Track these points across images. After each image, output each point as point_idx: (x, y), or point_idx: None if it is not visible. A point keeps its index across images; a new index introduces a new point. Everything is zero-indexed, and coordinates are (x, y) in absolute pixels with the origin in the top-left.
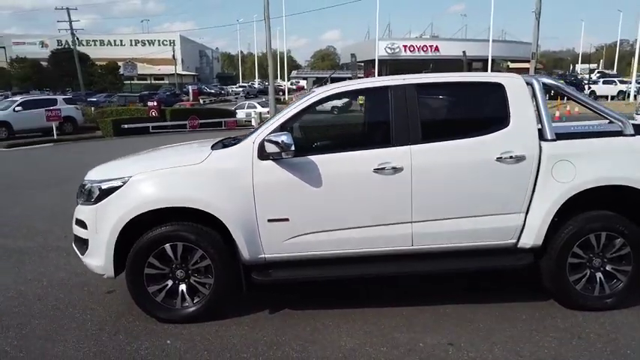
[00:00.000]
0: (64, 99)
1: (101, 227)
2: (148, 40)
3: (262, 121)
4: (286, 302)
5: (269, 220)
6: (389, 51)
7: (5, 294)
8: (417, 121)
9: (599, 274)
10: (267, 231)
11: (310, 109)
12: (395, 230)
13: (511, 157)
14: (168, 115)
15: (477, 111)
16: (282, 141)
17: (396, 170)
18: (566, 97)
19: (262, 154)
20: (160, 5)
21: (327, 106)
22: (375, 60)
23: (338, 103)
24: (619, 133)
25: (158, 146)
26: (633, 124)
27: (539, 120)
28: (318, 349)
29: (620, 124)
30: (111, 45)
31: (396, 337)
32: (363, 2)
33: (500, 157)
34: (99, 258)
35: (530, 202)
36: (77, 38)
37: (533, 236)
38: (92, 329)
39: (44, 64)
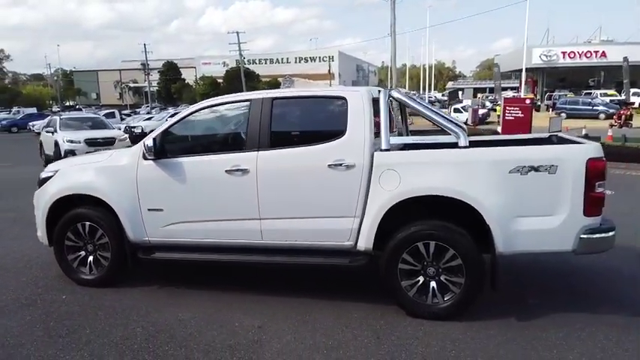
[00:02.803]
0: None
1: (39, 206)
2: (310, 57)
3: None
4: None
5: (149, 210)
6: (544, 58)
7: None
8: (267, 130)
9: (433, 283)
10: (148, 218)
11: (183, 120)
12: (247, 225)
13: (342, 165)
14: None
15: (321, 122)
16: (147, 145)
17: (244, 172)
18: None
19: (144, 155)
20: (335, 22)
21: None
22: (525, 69)
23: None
24: (455, 145)
25: None
26: (474, 140)
27: (378, 131)
28: (159, 317)
29: (455, 136)
30: (279, 63)
31: (217, 317)
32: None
33: (333, 165)
34: (40, 230)
35: (365, 207)
36: (243, 58)
37: (364, 240)
38: (29, 285)
39: (220, 81)
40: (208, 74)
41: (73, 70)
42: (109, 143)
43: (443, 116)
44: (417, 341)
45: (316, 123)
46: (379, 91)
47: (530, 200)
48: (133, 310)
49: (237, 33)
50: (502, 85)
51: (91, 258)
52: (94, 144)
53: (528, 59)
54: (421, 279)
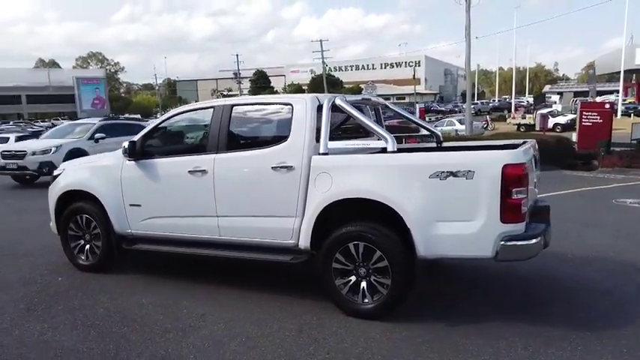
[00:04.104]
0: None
1: (50, 200)
2: (396, 63)
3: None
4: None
5: (130, 205)
6: None
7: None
8: (224, 134)
9: (364, 283)
10: (130, 212)
11: (160, 124)
12: (208, 222)
13: (283, 167)
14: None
15: (271, 127)
16: (123, 146)
17: (203, 173)
18: None
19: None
20: (427, 26)
21: None
22: (630, 70)
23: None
24: (385, 150)
25: None
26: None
27: (318, 135)
28: (124, 301)
29: (384, 141)
30: (364, 69)
31: (171, 304)
32: None
33: (275, 167)
34: (52, 221)
35: (304, 208)
36: (326, 65)
37: (304, 239)
38: (38, 268)
39: (305, 88)
40: (296, 82)
41: (176, 79)
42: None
43: (376, 123)
44: (333, 337)
45: (267, 128)
46: (329, 99)
47: (450, 205)
48: (107, 293)
49: (321, 41)
50: (604, 89)
51: (87, 246)
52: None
53: (631, 59)
54: (353, 278)
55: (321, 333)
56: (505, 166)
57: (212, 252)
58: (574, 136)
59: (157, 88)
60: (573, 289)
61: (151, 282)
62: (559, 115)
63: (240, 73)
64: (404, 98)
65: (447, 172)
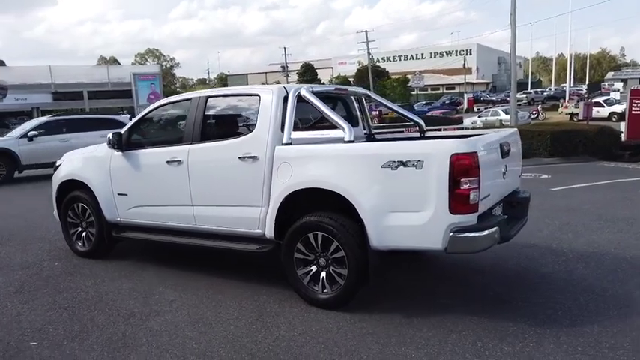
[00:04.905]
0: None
1: (53, 188)
2: (446, 52)
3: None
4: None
5: (118, 194)
6: None
7: None
8: (199, 126)
9: (323, 273)
10: (118, 201)
11: (145, 116)
12: (185, 211)
13: (249, 158)
14: (387, 123)
15: (240, 117)
16: (108, 138)
17: (179, 163)
18: None
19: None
20: (483, 14)
21: None
22: None
23: None
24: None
25: None
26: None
27: (283, 126)
28: (105, 286)
29: (342, 130)
30: (413, 59)
31: (147, 290)
32: None
33: (242, 157)
34: (54, 209)
35: (269, 198)
36: (371, 57)
37: (268, 228)
38: (42, 253)
39: (351, 80)
40: (343, 74)
41: (227, 74)
42: None
43: (335, 113)
44: (286, 325)
45: (237, 119)
46: (294, 90)
47: (402, 196)
48: (94, 278)
49: (366, 32)
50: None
51: (84, 233)
52: None
53: None
54: (314, 268)
55: (276, 321)
56: (453, 156)
57: (188, 240)
58: (622, 126)
59: (208, 82)
60: (552, 285)
61: (137, 268)
62: (615, 104)
63: (287, 66)
64: (453, 88)
65: (398, 162)
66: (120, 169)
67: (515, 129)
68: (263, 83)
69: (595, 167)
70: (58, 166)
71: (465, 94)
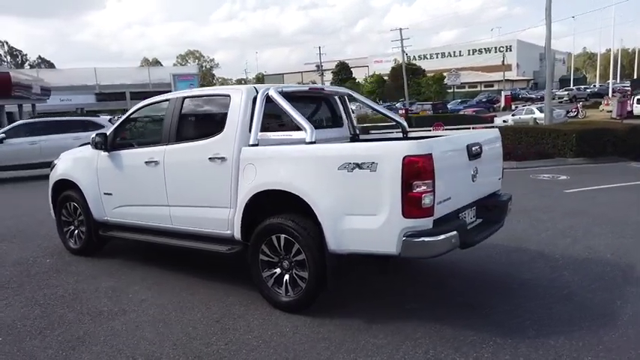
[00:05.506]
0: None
1: (49, 187)
2: (485, 48)
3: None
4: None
5: (104, 194)
6: None
7: None
8: (175, 126)
9: (286, 276)
10: (105, 201)
11: (128, 117)
12: (162, 211)
13: (218, 158)
14: (413, 122)
15: (212, 118)
16: (92, 138)
17: (156, 164)
18: None
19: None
20: (526, 9)
21: None
22: None
23: None
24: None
25: None
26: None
27: (251, 127)
28: (86, 284)
29: (304, 131)
30: (450, 56)
31: (123, 288)
32: None
33: (212, 158)
34: (50, 208)
35: (236, 199)
36: (406, 54)
37: (236, 230)
38: (39, 250)
39: (386, 78)
40: (379, 72)
41: (264, 74)
42: None
43: (299, 114)
44: (243, 328)
45: (209, 119)
46: (263, 90)
47: (357, 198)
48: (78, 275)
49: (400, 30)
50: None
51: (76, 232)
52: None
53: None
54: (278, 271)
55: (236, 324)
56: (405, 158)
57: (165, 240)
58: None
59: (242, 82)
60: (529, 292)
61: (124, 267)
62: None
63: (322, 66)
64: (492, 85)
65: (354, 163)
66: (105, 169)
67: (496, 129)
68: (299, 83)
69: (623, 168)
70: (54, 165)
71: (502, 92)
